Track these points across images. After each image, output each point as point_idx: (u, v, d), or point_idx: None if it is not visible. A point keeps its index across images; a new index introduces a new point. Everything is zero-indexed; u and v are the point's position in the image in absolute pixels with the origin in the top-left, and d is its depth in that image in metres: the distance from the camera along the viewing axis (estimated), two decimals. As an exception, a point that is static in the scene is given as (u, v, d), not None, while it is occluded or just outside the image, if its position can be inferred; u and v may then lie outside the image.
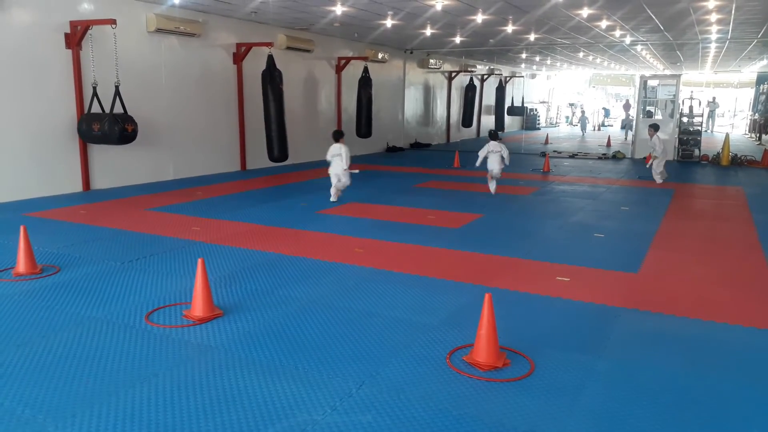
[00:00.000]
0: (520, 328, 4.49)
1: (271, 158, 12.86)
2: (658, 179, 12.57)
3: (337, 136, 9.87)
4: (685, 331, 4.50)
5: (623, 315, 4.80)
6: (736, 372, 3.82)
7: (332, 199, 9.75)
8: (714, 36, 16.18)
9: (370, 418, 3.20)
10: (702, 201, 10.70)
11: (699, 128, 17.65)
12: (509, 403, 3.39)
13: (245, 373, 3.70)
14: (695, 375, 3.76)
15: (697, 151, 17.09)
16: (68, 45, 9.89)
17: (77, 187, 10.27)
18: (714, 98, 31.41)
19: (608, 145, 21.94)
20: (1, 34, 9.02)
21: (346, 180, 9.68)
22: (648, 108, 18.02)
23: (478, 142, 24.36)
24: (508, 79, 29.30)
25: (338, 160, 9.61)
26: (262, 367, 3.80)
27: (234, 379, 3.62)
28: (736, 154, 16.32)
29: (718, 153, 16.48)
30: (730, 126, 32.74)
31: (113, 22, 9.49)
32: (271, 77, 12.39)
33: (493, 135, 11.00)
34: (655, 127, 12.81)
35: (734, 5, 11.45)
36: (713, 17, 12.85)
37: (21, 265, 5.66)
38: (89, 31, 9.83)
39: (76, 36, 9.84)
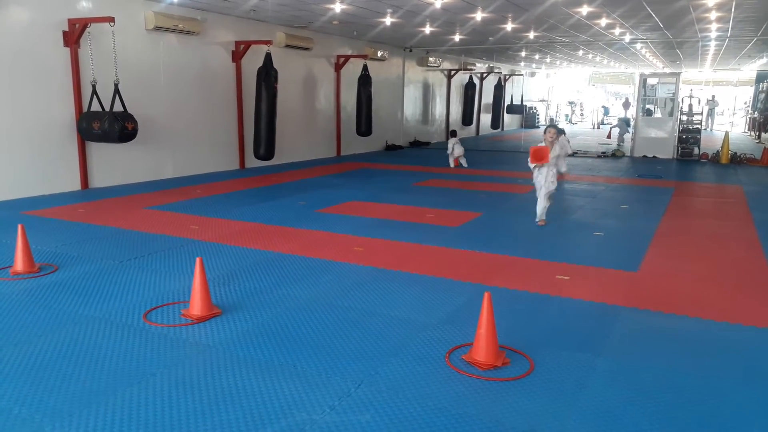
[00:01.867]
0: (520, 326, 4.47)
1: (257, 156, 12.85)
2: (542, 212, 8.09)
3: (453, 134, 14.67)
4: (685, 329, 4.49)
5: (623, 313, 4.79)
6: (737, 371, 3.80)
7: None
8: (713, 34, 16.16)
9: (368, 418, 3.18)
10: (702, 199, 10.69)
11: (698, 126, 17.64)
12: (508, 403, 3.37)
13: (243, 373, 3.68)
14: (695, 374, 3.75)
15: (696, 150, 17.08)
16: (67, 43, 9.86)
17: (75, 185, 10.25)
18: (713, 96, 31.41)
19: (608, 136, 21.95)
20: (0, 32, 9.00)
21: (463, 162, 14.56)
22: (648, 106, 18.01)
23: (478, 141, 24.37)
24: (507, 77, 29.28)
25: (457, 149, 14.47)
26: (260, 366, 3.78)
27: (232, 379, 3.60)
28: (735, 153, 16.31)
29: (718, 151, 16.47)
30: (729, 124, 32.76)
31: (112, 19, 9.46)
32: (266, 75, 12.36)
33: (560, 131, 14.22)
34: (559, 130, 8.50)
35: (734, 3, 11.43)
36: (713, 15, 12.83)
37: (18, 264, 5.64)
38: (88, 29, 9.80)
39: (74, 34, 9.81)
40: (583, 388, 3.54)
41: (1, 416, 3.17)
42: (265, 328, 4.41)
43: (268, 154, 12.76)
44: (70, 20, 9.82)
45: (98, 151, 10.55)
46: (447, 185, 11.97)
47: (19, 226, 5.74)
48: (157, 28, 11.24)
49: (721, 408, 3.35)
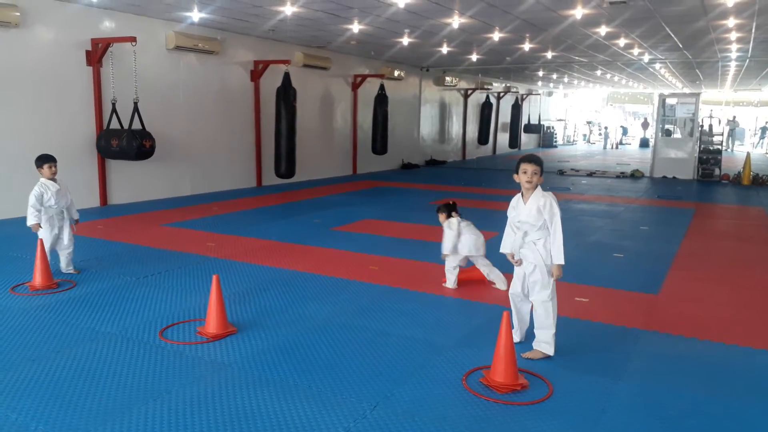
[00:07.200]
0: (538, 349, 4.39)
1: (278, 174, 12.94)
2: None
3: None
4: (708, 354, 4.39)
5: (643, 337, 4.69)
6: (762, 398, 3.70)
7: None
8: (734, 54, 16.05)
9: (384, 441, 3.13)
10: (723, 221, 10.53)
11: (719, 147, 17.46)
12: (527, 427, 3.30)
13: (258, 392, 3.65)
14: (718, 401, 3.65)
15: (717, 171, 16.89)
16: (89, 62, 10.05)
17: (95, 202, 10.37)
18: (734, 117, 31.14)
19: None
20: (25, 51, 9.19)
21: None
22: (667, 126, 17.88)
23: (494, 160, 24.33)
24: (524, 96, 29.28)
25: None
26: (275, 385, 3.75)
27: (247, 398, 3.57)
28: (757, 174, 16.09)
29: (739, 172, 16.26)
30: (750, 145, 32.42)
31: (134, 39, 9.64)
32: (285, 94, 12.49)
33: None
34: (447, 209, 6.03)
35: (754, 24, 11.36)
36: (733, 36, 12.75)
37: (37, 280, 5.69)
38: (110, 49, 9.99)
39: (97, 53, 10.00)
40: (604, 414, 3.46)
41: (16, 433, 3.18)
42: (280, 347, 4.39)
43: (289, 172, 12.86)
44: (93, 40, 10.02)
45: (118, 168, 10.68)
46: (463, 204, 11.85)
47: (39, 242, 5.80)
48: (178, 48, 11.42)
49: (747, 437, 3.25)
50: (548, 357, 4.20)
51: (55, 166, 6.09)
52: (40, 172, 6.04)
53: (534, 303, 4.29)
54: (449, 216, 5.96)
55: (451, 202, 6.09)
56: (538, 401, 3.59)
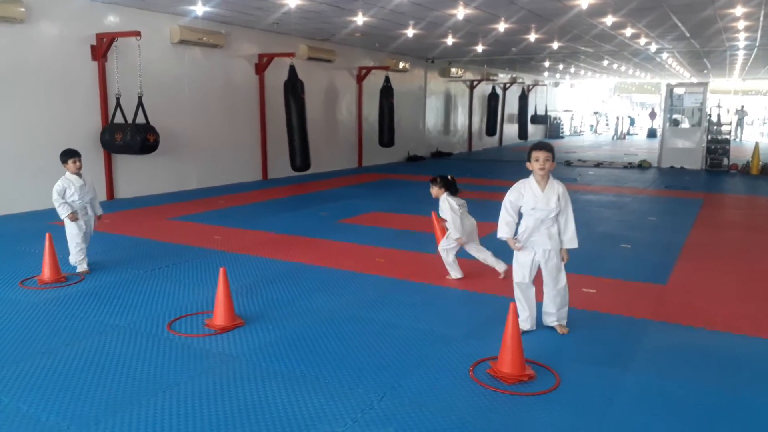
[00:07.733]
0: (545, 340, 4.40)
1: (294, 167, 12.94)
2: None
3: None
4: (716, 345, 4.37)
5: (651, 327, 4.68)
6: (771, 388, 3.69)
7: None
8: (742, 43, 15.91)
9: (391, 431, 3.15)
10: (731, 211, 10.47)
11: (727, 137, 17.33)
12: (534, 418, 3.30)
13: (266, 384, 3.67)
14: (727, 390, 3.64)
15: (725, 160, 16.77)
16: (94, 57, 10.07)
17: (102, 195, 10.40)
18: (742, 106, 30.91)
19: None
20: (30, 46, 9.21)
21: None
22: (674, 116, 17.76)
23: (501, 151, 24.25)
24: (530, 87, 29.14)
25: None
26: (283, 377, 3.77)
27: (255, 390, 3.59)
28: (766, 164, 15.96)
29: (748, 162, 16.15)
30: (759, 134, 32.18)
31: (138, 34, 9.64)
32: (293, 87, 12.48)
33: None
34: (443, 182, 5.91)
35: (762, 12, 11.25)
36: (741, 24, 12.64)
37: (46, 273, 5.72)
38: (115, 43, 10.00)
39: (101, 48, 10.02)
40: (611, 404, 3.46)
41: (29, 423, 3.20)
42: (287, 339, 4.40)
43: (304, 164, 12.86)
44: (98, 35, 10.03)
45: (124, 162, 10.71)
46: (469, 196, 11.81)
47: (47, 235, 5.83)
48: (182, 42, 11.42)
49: (753, 426, 3.25)
50: None
51: (80, 161, 6.07)
52: (65, 167, 6.06)
53: (557, 288, 4.45)
54: (447, 192, 5.77)
55: (449, 177, 5.88)
56: (545, 392, 3.59)
